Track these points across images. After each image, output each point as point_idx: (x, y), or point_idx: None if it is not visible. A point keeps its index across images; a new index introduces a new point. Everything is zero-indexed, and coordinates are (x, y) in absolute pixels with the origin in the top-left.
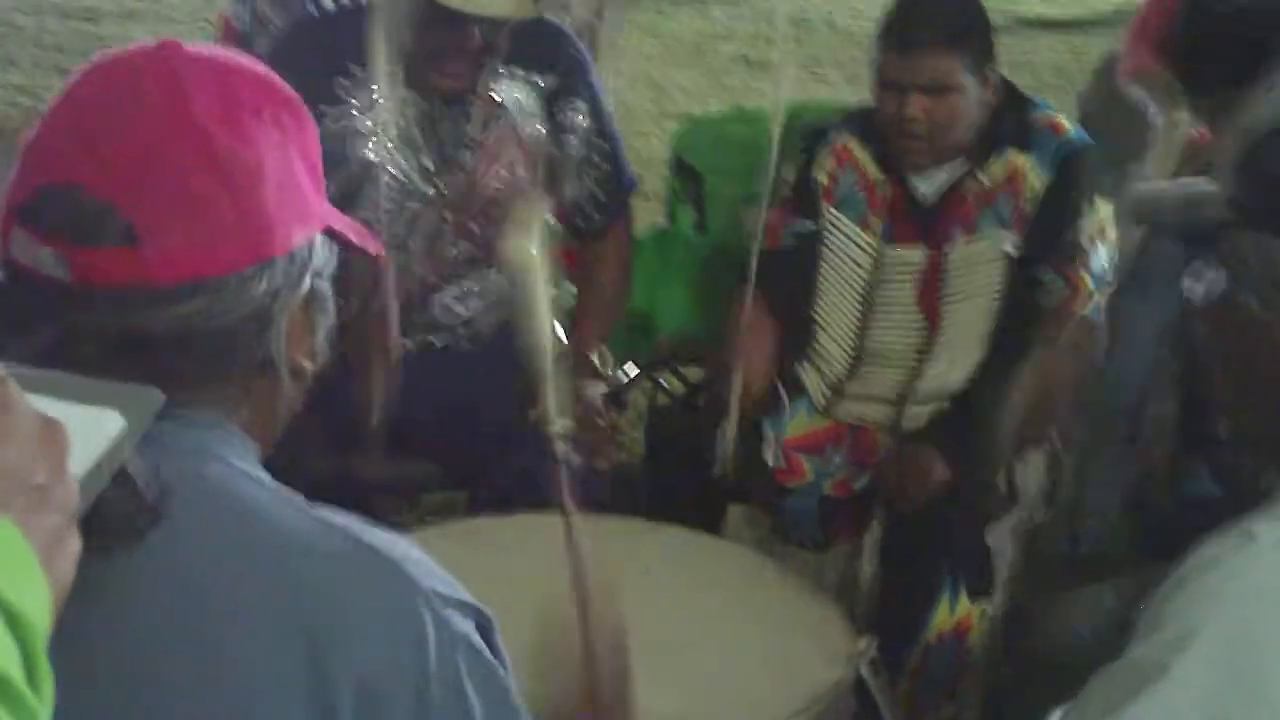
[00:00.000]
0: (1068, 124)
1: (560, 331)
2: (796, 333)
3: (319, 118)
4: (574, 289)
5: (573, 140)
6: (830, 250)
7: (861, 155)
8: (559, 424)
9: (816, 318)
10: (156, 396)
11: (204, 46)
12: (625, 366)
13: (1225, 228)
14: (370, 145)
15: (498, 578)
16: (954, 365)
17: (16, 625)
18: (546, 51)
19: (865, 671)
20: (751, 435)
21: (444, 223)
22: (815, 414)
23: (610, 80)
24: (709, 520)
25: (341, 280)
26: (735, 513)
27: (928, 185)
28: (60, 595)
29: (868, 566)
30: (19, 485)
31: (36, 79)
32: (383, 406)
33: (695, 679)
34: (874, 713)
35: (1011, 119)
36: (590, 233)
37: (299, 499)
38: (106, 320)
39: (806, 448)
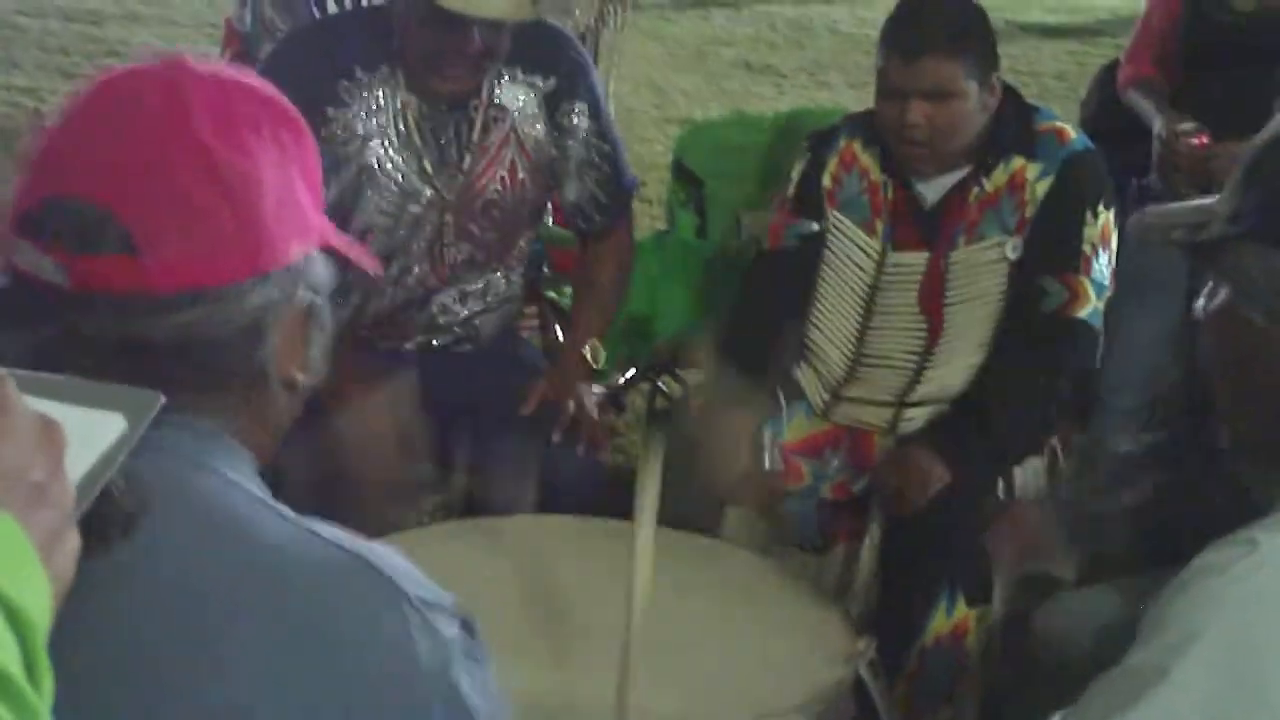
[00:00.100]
0: (1071, 131)
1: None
2: (795, 335)
3: (322, 120)
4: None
5: (573, 142)
6: (833, 253)
7: (865, 158)
8: None
9: (816, 321)
10: (156, 399)
11: (209, 63)
12: (625, 370)
13: (1228, 241)
14: (372, 148)
15: (496, 578)
16: (954, 369)
17: (17, 621)
18: (547, 54)
19: (864, 672)
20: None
21: (444, 225)
22: (813, 417)
23: (612, 84)
24: (707, 522)
25: (340, 283)
26: (733, 515)
27: (931, 189)
28: (60, 592)
29: (866, 569)
30: (17, 483)
31: (40, 81)
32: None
33: (694, 680)
34: (872, 715)
35: (1015, 125)
36: (591, 234)
37: (287, 510)
38: (104, 326)
39: (804, 451)
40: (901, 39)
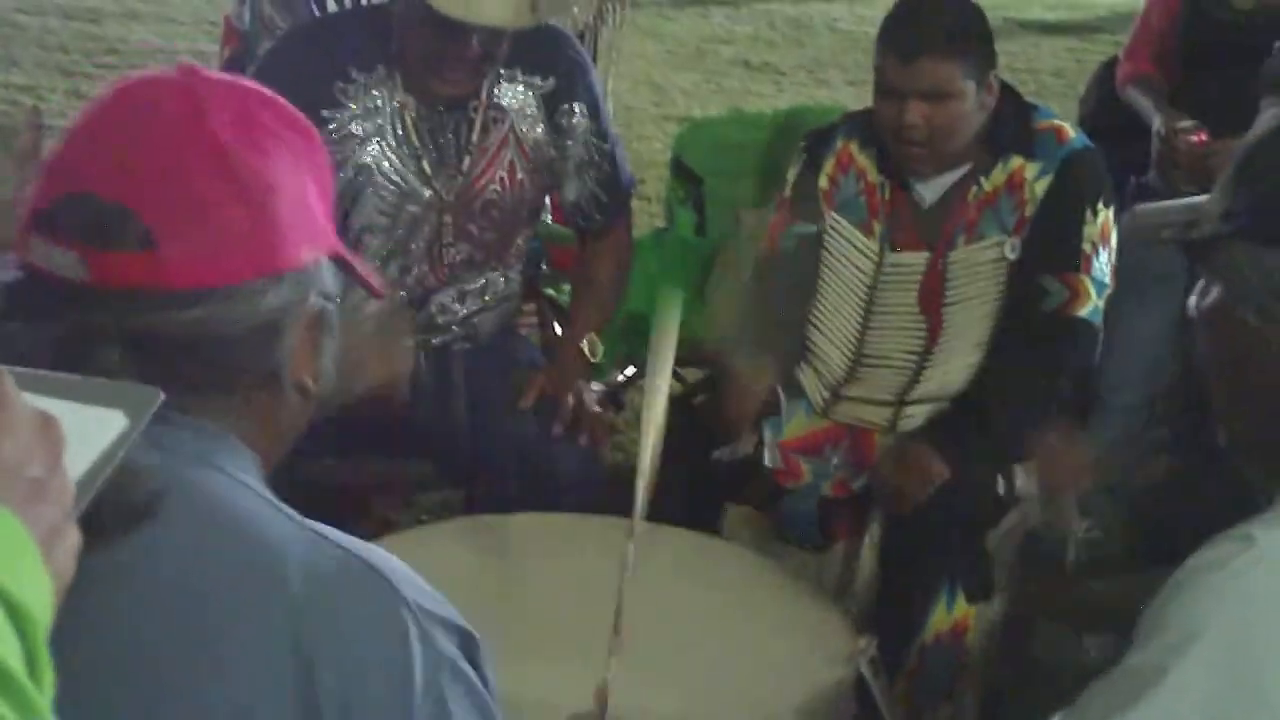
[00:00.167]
0: (1070, 130)
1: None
2: (795, 336)
3: (318, 122)
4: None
5: (572, 143)
6: (831, 254)
7: (862, 159)
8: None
9: (816, 321)
10: (156, 395)
11: (224, 74)
12: (625, 368)
13: (1220, 239)
14: (369, 149)
15: (495, 576)
16: (953, 369)
17: (17, 617)
18: (546, 55)
19: (866, 671)
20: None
21: (443, 225)
22: (813, 415)
23: (611, 82)
24: (707, 520)
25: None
26: (733, 513)
27: (929, 189)
28: (60, 589)
29: (866, 567)
30: (16, 478)
31: (39, 79)
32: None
33: (695, 679)
34: (873, 713)
35: (1013, 124)
36: (590, 232)
37: (292, 512)
38: (118, 321)
39: (804, 449)
40: (899, 39)
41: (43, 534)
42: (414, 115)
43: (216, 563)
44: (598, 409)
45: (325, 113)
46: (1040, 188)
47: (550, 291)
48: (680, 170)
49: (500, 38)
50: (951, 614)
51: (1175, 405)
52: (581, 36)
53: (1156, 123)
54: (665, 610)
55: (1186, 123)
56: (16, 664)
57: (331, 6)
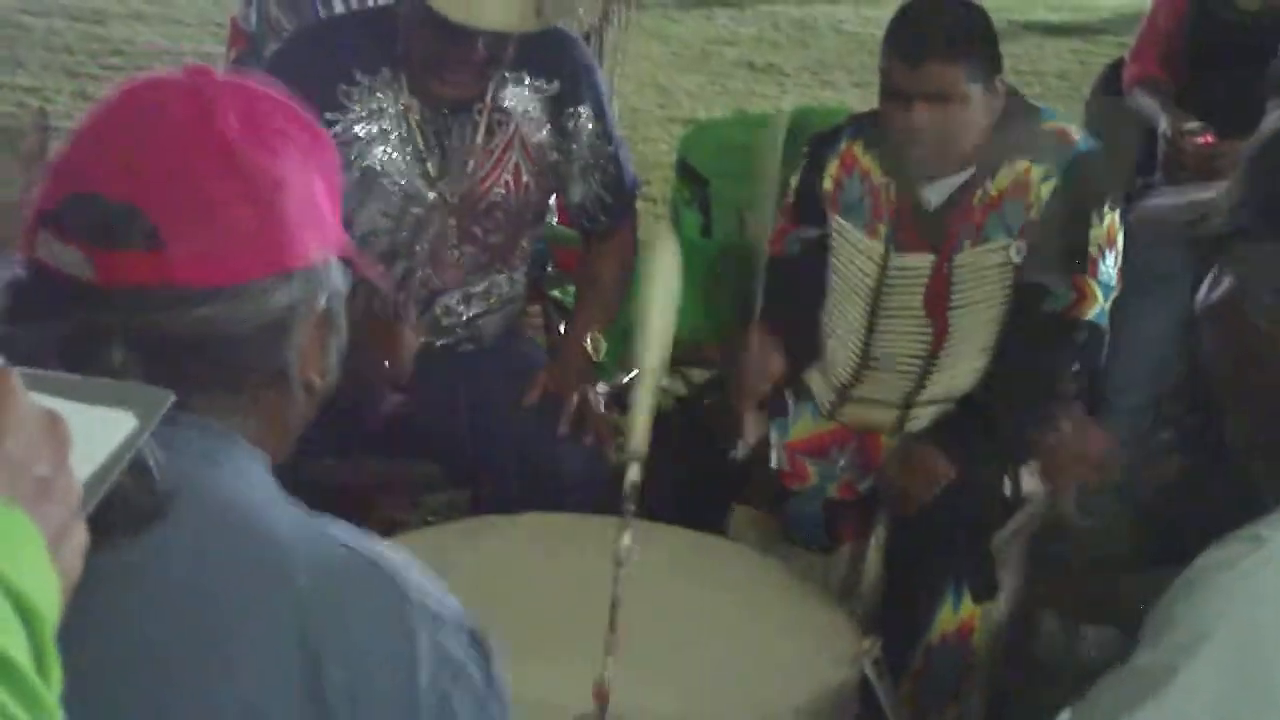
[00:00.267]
0: (1076, 132)
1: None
2: (803, 340)
3: (324, 124)
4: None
5: (577, 145)
6: (836, 257)
7: (866, 161)
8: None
9: (822, 323)
10: (167, 396)
11: (232, 75)
12: (630, 369)
13: (1231, 234)
14: (374, 151)
15: (502, 576)
16: (959, 372)
17: (25, 612)
18: (551, 58)
19: (870, 672)
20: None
21: (448, 227)
22: (820, 417)
23: (616, 85)
24: (713, 521)
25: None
26: (740, 514)
27: (934, 192)
28: (68, 589)
29: (872, 569)
30: (22, 476)
31: (45, 81)
32: (388, 406)
33: (699, 679)
34: (878, 714)
35: (1019, 127)
36: (595, 233)
37: (301, 509)
38: (125, 321)
39: (811, 451)
40: (904, 42)
41: (50, 532)
42: (419, 118)
43: (225, 562)
44: (603, 410)
45: (330, 115)
46: (1046, 190)
47: (555, 293)
48: (685, 172)
49: (505, 41)
50: (958, 615)
51: (1181, 406)
52: (587, 38)
53: (1163, 124)
54: (669, 609)
55: (1193, 124)
56: (24, 660)
57: (338, 8)
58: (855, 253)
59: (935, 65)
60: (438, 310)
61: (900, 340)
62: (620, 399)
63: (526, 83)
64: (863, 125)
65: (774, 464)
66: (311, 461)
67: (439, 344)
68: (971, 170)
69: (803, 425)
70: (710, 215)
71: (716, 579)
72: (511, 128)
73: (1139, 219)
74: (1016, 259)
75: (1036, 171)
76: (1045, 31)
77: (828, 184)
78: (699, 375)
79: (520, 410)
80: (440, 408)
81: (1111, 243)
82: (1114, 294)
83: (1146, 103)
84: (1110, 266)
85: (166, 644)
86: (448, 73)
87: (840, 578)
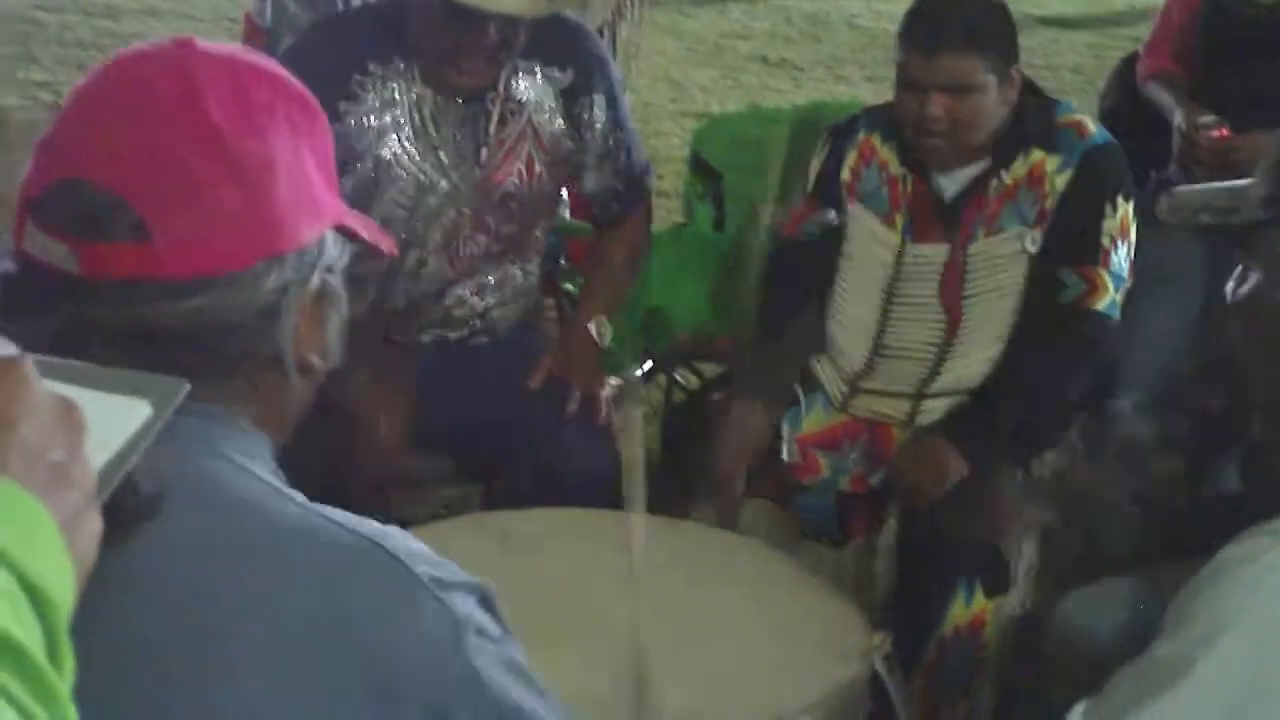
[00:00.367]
0: (1091, 125)
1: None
2: (807, 326)
3: (336, 115)
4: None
5: (590, 135)
6: (852, 245)
7: (884, 151)
8: None
9: (835, 312)
10: (182, 386)
11: (219, 44)
12: (642, 363)
13: (1262, 226)
14: (387, 141)
15: (512, 571)
16: (972, 362)
17: (39, 601)
18: (564, 47)
19: (880, 667)
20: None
21: (461, 218)
22: (831, 410)
23: (630, 79)
24: (725, 515)
25: (354, 276)
26: (751, 508)
27: (950, 182)
28: (82, 575)
29: (884, 562)
30: (37, 463)
31: (58, 75)
32: (396, 402)
33: (710, 673)
34: (889, 709)
35: (1035, 119)
36: (608, 221)
37: (299, 496)
38: (115, 313)
39: (822, 444)
40: (921, 33)
41: (64, 518)
42: (431, 108)
43: (225, 559)
44: (609, 398)
45: (343, 106)
46: (1061, 181)
47: (568, 286)
48: (699, 166)
49: (517, 27)
50: (970, 609)
51: (1193, 399)
52: (600, 33)
53: (1178, 118)
54: (678, 604)
55: (1208, 118)
56: (37, 649)
57: (356, 0)
58: (872, 241)
59: (952, 56)
60: (450, 302)
61: (914, 329)
62: (632, 392)
63: (539, 72)
64: (879, 116)
65: (785, 457)
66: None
67: (453, 337)
68: (987, 161)
69: (814, 418)
70: (723, 209)
71: (726, 573)
72: (524, 118)
73: (1174, 205)
74: (1031, 248)
75: (1052, 162)
76: (1060, 25)
77: (846, 174)
78: (710, 370)
79: (532, 403)
80: (453, 401)
81: (1124, 234)
82: (1126, 286)
83: (1161, 97)
84: (1122, 258)
85: (166, 643)
86: (460, 60)
87: (851, 571)
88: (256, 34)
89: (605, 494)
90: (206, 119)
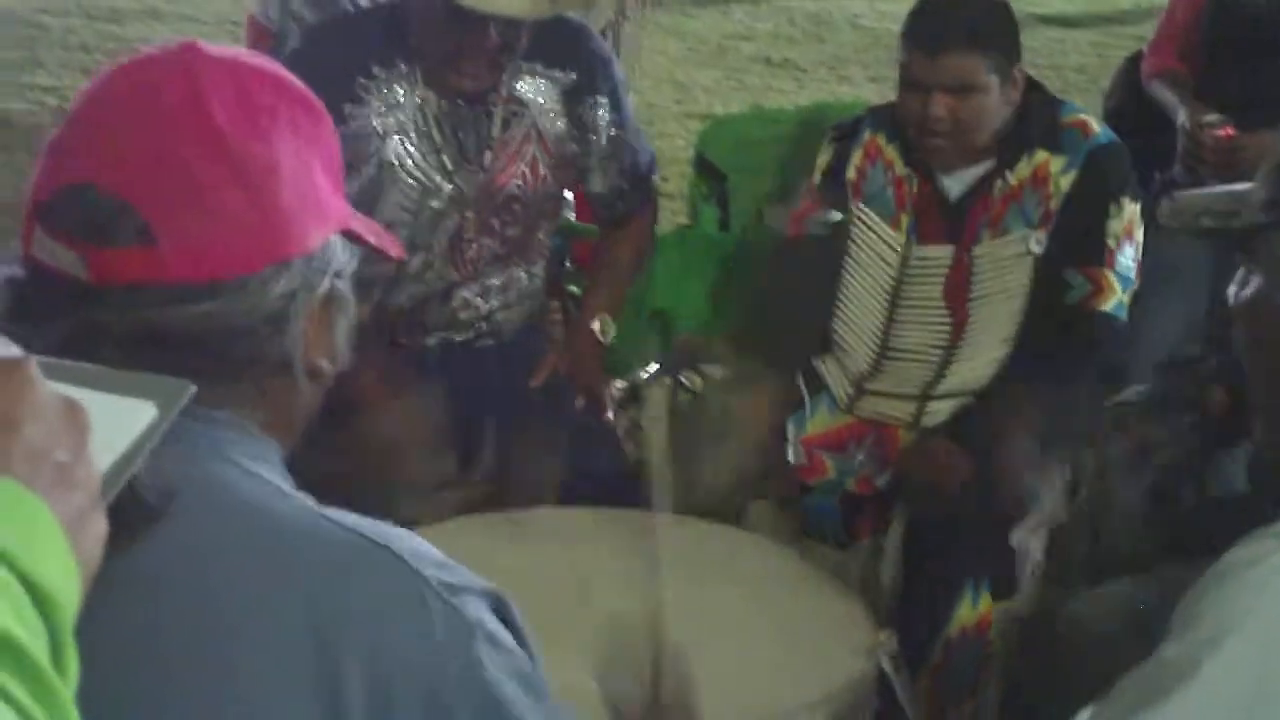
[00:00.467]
0: (1096, 125)
1: None
2: (818, 326)
3: (340, 119)
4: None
5: (595, 136)
6: (857, 246)
7: (889, 152)
8: None
9: (841, 313)
10: (187, 388)
11: (224, 48)
12: (647, 364)
13: (1263, 230)
14: (391, 144)
15: (520, 571)
16: (978, 363)
17: (43, 603)
18: (567, 48)
19: (886, 665)
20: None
21: (465, 220)
22: (837, 411)
23: (633, 80)
24: (732, 514)
25: (360, 279)
26: (757, 509)
27: (955, 182)
28: (87, 576)
29: (890, 563)
30: (42, 463)
31: (63, 79)
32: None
33: (716, 672)
34: (896, 708)
35: (1039, 119)
36: (614, 221)
37: (307, 499)
38: (123, 318)
39: (828, 445)
40: (924, 33)
41: (69, 520)
42: (435, 110)
43: (229, 562)
44: (614, 398)
45: (348, 109)
46: (1065, 182)
47: (574, 288)
48: (704, 167)
49: (518, 28)
50: (976, 609)
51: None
52: (603, 34)
53: (1182, 117)
54: (687, 603)
55: (1212, 117)
56: (39, 649)
57: (363, 1)
58: (877, 243)
59: (955, 56)
60: (455, 304)
61: (919, 331)
62: (637, 395)
63: (541, 73)
64: (883, 116)
65: (791, 459)
66: (329, 456)
67: (458, 340)
68: (991, 161)
69: (819, 419)
70: (728, 210)
71: (732, 571)
72: (528, 119)
73: (1175, 209)
74: (1036, 250)
75: (1056, 163)
76: (1063, 24)
77: (851, 173)
78: (717, 372)
79: (537, 404)
80: (459, 403)
81: (1130, 235)
82: (1133, 287)
83: (1165, 96)
84: (1128, 259)
85: (167, 644)
86: (462, 62)
87: (858, 573)
88: (263, 36)
89: (611, 493)
90: (210, 122)
